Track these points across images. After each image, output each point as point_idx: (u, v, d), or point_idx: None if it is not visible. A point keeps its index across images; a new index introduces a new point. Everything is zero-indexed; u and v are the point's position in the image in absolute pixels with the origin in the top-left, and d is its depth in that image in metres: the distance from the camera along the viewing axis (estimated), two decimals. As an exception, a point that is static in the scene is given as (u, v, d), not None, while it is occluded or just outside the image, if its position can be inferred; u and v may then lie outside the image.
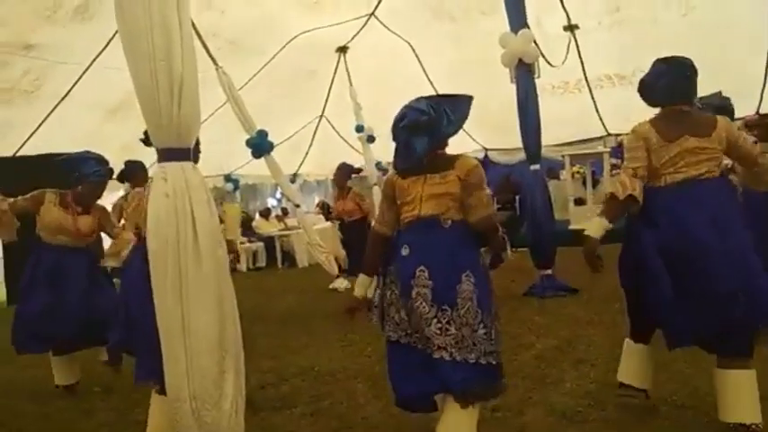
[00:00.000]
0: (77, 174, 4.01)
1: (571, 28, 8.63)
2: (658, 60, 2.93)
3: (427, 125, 2.51)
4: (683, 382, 3.34)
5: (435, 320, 2.40)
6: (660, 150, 2.68)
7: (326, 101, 10.99)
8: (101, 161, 4.10)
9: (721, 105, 3.81)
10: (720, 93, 4.05)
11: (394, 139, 2.63)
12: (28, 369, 4.75)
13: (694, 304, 2.55)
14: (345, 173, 7.45)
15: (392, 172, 2.73)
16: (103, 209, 4.30)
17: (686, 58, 2.85)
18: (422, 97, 2.65)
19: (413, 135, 2.52)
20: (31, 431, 3.62)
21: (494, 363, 2.43)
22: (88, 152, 4.11)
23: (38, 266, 4.04)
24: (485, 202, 2.52)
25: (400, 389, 2.59)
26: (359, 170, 7.86)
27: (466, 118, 2.65)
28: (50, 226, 4.01)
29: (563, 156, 10.87)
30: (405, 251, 2.51)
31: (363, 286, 2.73)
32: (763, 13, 7.74)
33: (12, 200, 3.97)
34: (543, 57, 7.22)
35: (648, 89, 2.91)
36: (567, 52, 8.43)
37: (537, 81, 6.59)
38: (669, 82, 2.81)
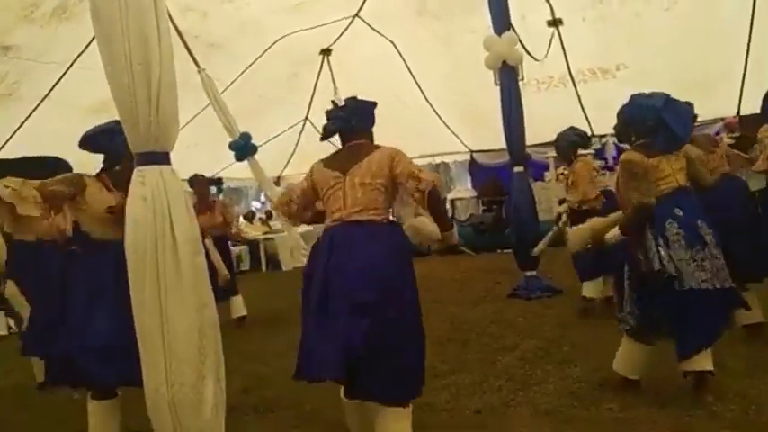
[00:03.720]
0: (114, 150, 3.02)
1: (555, 23, 8.65)
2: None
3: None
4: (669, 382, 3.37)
5: (721, 259, 3.06)
6: None
7: (311, 103, 10.96)
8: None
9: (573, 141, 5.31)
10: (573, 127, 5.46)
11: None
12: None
13: None
14: (206, 184, 6.31)
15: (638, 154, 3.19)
16: None
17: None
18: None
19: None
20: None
21: None
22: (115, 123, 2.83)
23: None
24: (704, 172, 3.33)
25: None
26: (219, 180, 7.37)
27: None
28: (102, 216, 2.99)
29: (548, 157, 10.93)
30: (679, 212, 3.09)
31: None
32: (745, 9, 7.84)
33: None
34: (527, 51, 7.25)
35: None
36: (550, 46, 8.45)
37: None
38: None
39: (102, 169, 3.09)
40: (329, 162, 2.77)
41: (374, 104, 2.88)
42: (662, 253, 3.01)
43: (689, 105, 3.31)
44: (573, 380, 3.56)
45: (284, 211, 2.98)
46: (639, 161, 3.14)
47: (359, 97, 2.91)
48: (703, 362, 3.01)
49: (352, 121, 2.79)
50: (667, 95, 3.16)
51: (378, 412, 2.54)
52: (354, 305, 2.46)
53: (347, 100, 2.90)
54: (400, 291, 2.56)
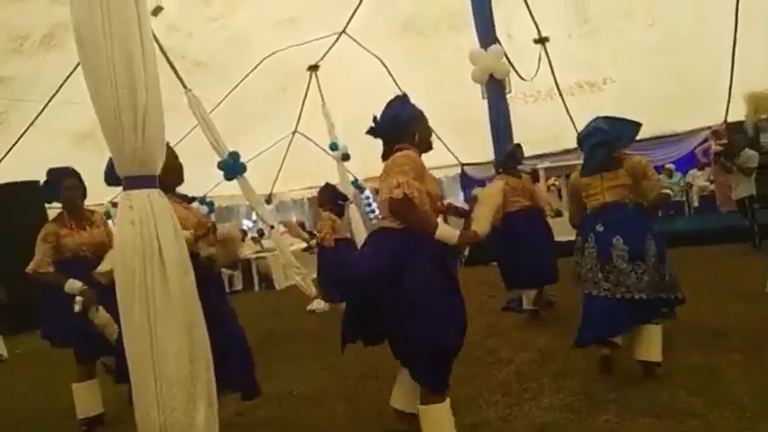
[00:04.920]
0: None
1: (542, 41, 8.75)
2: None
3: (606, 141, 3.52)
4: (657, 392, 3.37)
5: (633, 273, 3.42)
6: None
7: (299, 117, 10.98)
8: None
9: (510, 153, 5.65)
10: (519, 144, 5.75)
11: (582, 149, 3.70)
12: None
13: None
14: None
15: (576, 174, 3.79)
16: None
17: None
18: (600, 118, 3.64)
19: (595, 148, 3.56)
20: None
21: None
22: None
23: None
24: (653, 185, 3.53)
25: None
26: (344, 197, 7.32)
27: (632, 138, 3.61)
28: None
29: (538, 168, 10.97)
30: (600, 228, 3.55)
31: None
32: (727, 22, 7.96)
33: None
34: (515, 71, 7.33)
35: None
36: (539, 66, 8.53)
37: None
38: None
39: None
40: None
41: (395, 116, 2.94)
42: (579, 260, 3.70)
43: (630, 125, 3.63)
44: (568, 392, 3.55)
45: None
46: (573, 182, 3.84)
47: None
48: (652, 353, 3.53)
49: (378, 132, 2.97)
50: (613, 120, 3.59)
51: None
52: (353, 291, 2.91)
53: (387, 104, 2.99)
54: (393, 286, 2.63)
